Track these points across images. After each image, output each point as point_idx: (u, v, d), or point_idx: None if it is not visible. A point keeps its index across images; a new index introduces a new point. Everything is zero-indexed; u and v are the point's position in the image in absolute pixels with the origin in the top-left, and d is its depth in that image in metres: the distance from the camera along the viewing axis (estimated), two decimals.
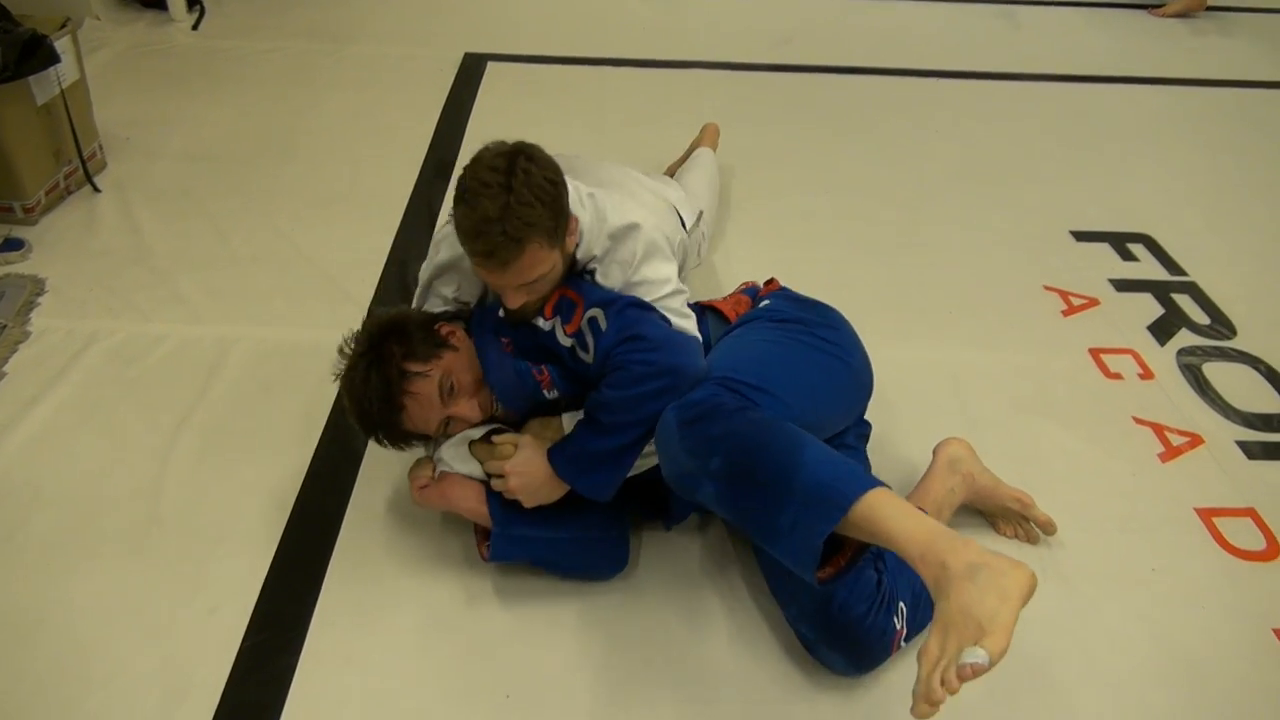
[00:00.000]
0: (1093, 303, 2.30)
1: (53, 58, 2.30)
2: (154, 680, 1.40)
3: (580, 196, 1.55)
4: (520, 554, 1.52)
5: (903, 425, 1.89)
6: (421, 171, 2.74)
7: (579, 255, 1.54)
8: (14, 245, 2.32)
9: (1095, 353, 2.14)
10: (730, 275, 2.31)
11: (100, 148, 2.65)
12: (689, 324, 1.57)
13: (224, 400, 1.91)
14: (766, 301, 1.70)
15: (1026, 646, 1.47)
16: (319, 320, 2.11)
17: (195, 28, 3.60)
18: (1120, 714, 1.42)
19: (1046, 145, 3.07)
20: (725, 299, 1.77)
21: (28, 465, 1.76)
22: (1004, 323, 2.23)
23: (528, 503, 1.46)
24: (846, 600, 1.35)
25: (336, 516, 1.67)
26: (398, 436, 1.52)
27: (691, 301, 1.66)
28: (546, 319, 1.48)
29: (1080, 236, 2.57)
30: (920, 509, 1.21)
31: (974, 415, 1.95)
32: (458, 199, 1.39)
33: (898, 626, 1.38)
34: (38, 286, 2.20)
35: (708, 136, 2.63)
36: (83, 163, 2.54)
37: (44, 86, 2.37)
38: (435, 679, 1.43)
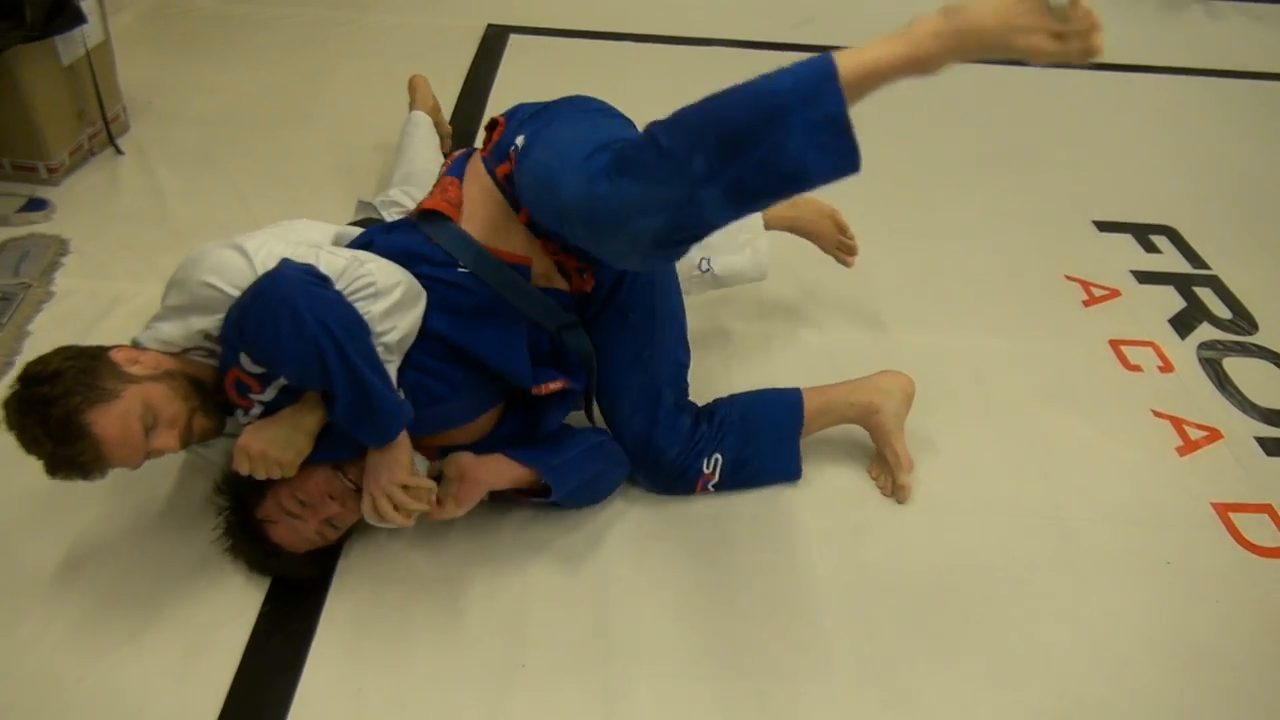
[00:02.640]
0: (1114, 294, 2.30)
1: (78, 18, 2.29)
2: (176, 636, 1.43)
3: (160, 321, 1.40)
4: (573, 476, 1.56)
5: (922, 411, 1.89)
6: (441, 143, 2.73)
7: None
8: (38, 205, 2.32)
9: (1115, 344, 2.13)
10: None
11: (124, 110, 2.65)
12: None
13: None
14: (519, 139, 1.41)
15: (1037, 635, 1.48)
16: None
17: None
18: (1130, 706, 1.43)
19: (1069, 133, 3.05)
20: (431, 193, 1.54)
21: None
22: (1024, 311, 2.23)
23: (274, 452, 1.33)
24: (662, 443, 1.61)
25: None
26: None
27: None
28: (243, 409, 1.38)
29: (1102, 227, 2.55)
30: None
31: (993, 402, 1.95)
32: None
33: (705, 470, 1.65)
34: (61, 247, 2.21)
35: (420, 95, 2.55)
36: (106, 124, 2.54)
37: (70, 47, 2.36)
38: (451, 648, 1.44)
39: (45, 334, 1.96)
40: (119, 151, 2.57)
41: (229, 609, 1.47)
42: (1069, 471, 1.80)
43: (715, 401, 1.74)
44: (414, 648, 1.44)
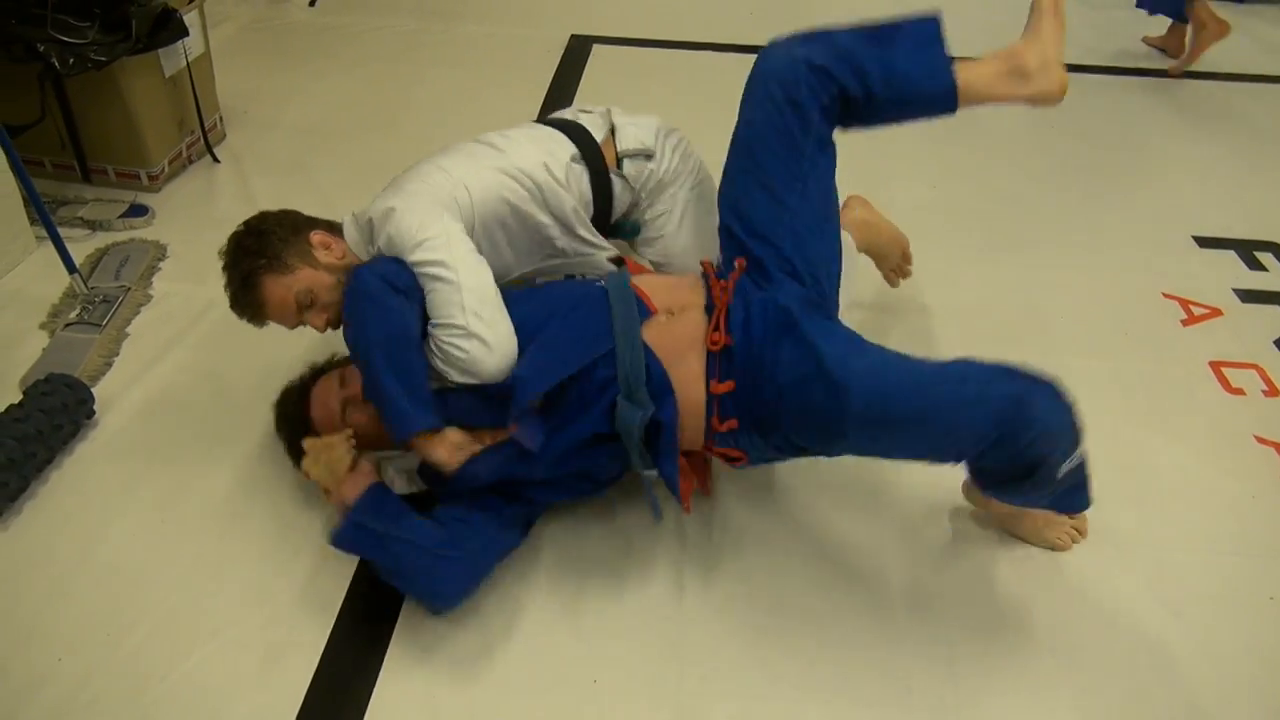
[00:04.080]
0: (1215, 313, 2.19)
1: (181, 31, 2.38)
2: (257, 638, 1.46)
3: (354, 216, 1.69)
4: (361, 545, 1.48)
5: None
6: None
7: (364, 256, 1.64)
8: (139, 211, 2.41)
9: (1216, 365, 2.03)
10: None
11: (220, 119, 2.74)
12: (446, 271, 1.48)
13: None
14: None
15: (1132, 670, 1.42)
16: None
17: (311, 4, 3.69)
18: None
19: (1171, 145, 2.93)
20: (663, 276, 1.72)
21: (146, 424, 1.83)
22: (1118, 330, 2.14)
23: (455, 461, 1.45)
24: None
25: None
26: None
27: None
28: None
29: (1204, 242, 2.44)
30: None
31: (1085, 426, 1.87)
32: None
33: None
34: (160, 251, 2.29)
35: None
36: (204, 134, 2.63)
37: (172, 59, 2.45)
38: (524, 659, 1.44)
39: (143, 335, 2.04)
40: (215, 160, 2.66)
41: (308, 611, 1.50)
42: (1166, 500, 1.72)
43: None
44: (487, 657, 1.45)
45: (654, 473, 1.47)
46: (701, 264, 1.60)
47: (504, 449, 1.46)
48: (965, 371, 1.37)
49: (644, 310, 1.51)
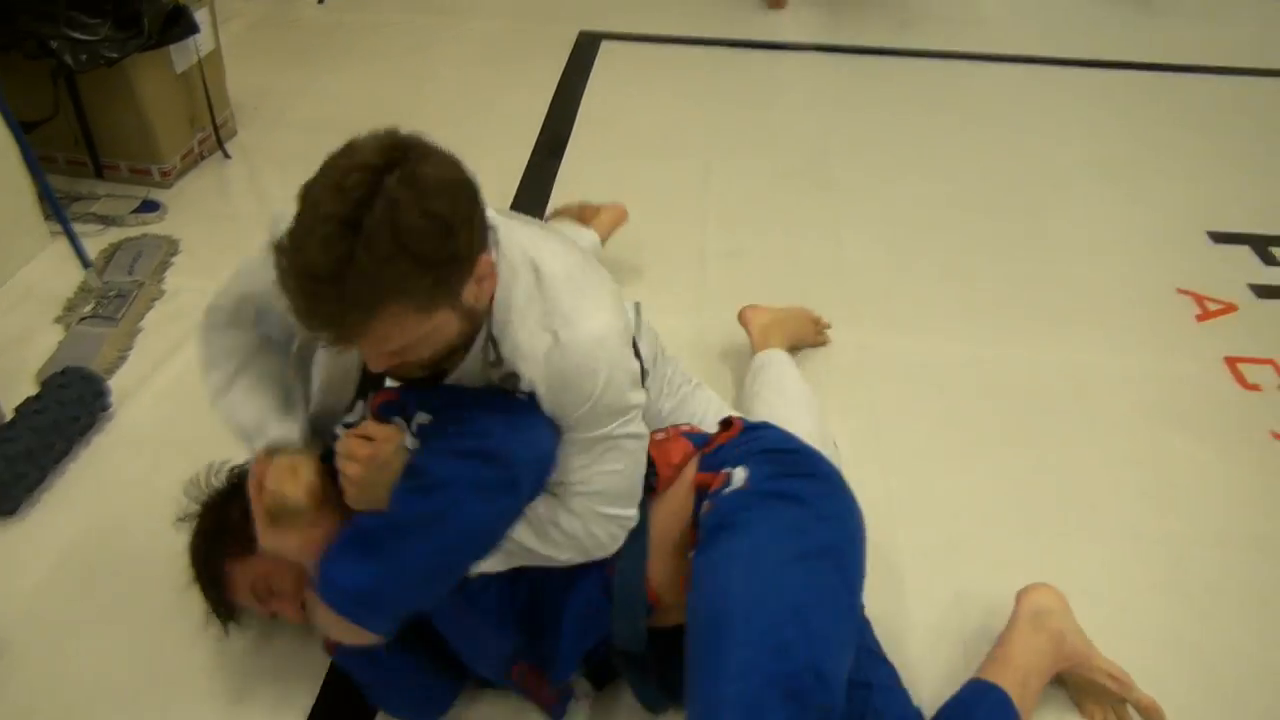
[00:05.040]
0: (1230, 308, 2.18)
1: (192, 27, 2.38)
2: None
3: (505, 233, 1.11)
4: (356, 666, 1.29)
5: (1023, 430, 1.84)
6: (534, 150, 2.75)
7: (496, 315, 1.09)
8: (150, 207, 2.42)
9: (1232, 361, 2.03)
10: (842, 264, 2.27)
11: (231, 115, 2.74)
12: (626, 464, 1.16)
13: None
14: (739, 473, 1.21)
15: (1148, 666, 1.41)
16: None
17: (320, 1, 3.69)
18: None
19: (1183, 139, 2.92)
20: (660, 436, 1.33)
21: (161, 416, 1.84)
22: (1131, 325, 2.13)
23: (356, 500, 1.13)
24: None
25: None
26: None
27: None
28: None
29: (1218, 238, 2.43)
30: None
31: (1097, 422, 1.87)
32: (284, 235, 0.96)
33: None
34: (172, 247, 2.29)
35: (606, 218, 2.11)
36: (215, 130, 2.63)
37: (183, 55, 2.45)
38: None
39: (157, 330, 2.04)
40: (227, 156, 2.66)
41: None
42: (1181, 495, 1.72)
43: None
44: None
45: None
46: None
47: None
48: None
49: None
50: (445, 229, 0.94)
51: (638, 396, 1.13)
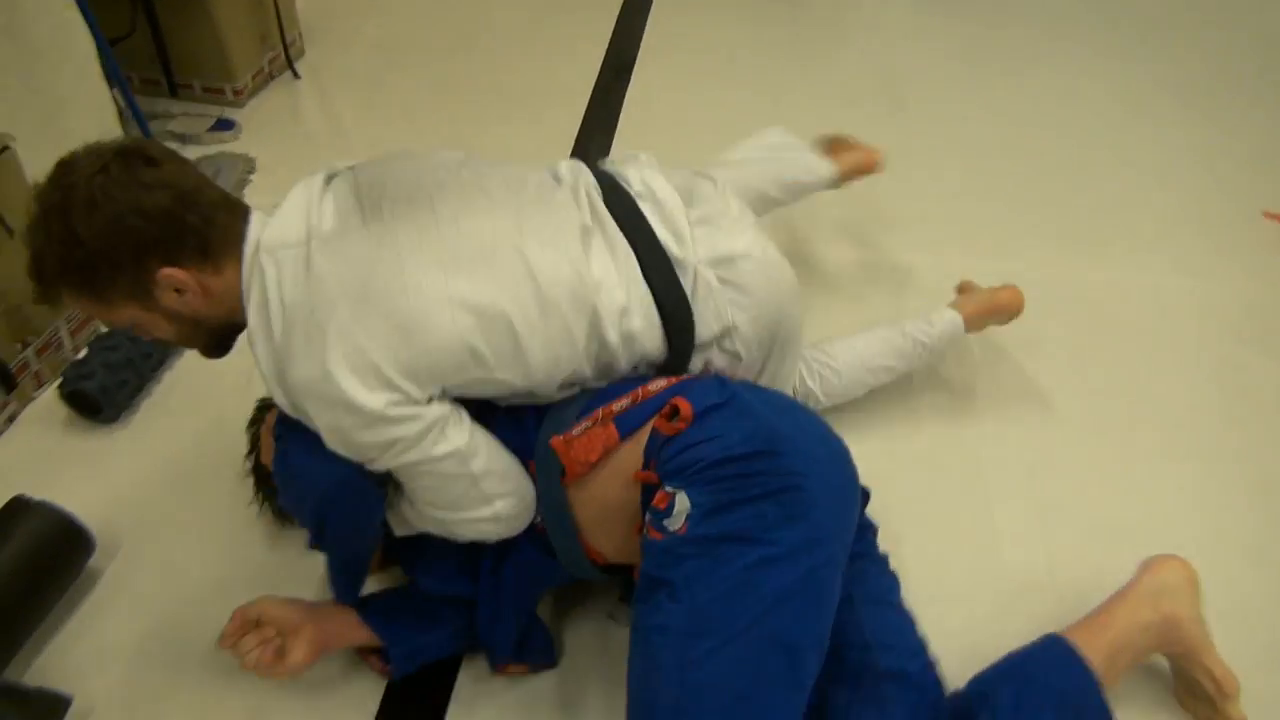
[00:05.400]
0: None
1: None
2: None
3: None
4: (424, 659, 1.31)
5: (1102, 350, 1.83)
6: (601, 71, 2.73)
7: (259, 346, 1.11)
8: (225, 125, 2.44)
9: None
10: (917, 189, 2.24)
11: (300, 35, 2.74)
12: None
13: None
14: (681, 501, 1.07)
15: (1233, 584, 1.42)
16: None
17: None
18: None
19: (1274, 62, 2.83)
20: (579, 430, 1.17)
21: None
22: (1216, 248, 2.10)
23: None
24: None
25: None
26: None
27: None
28: None
29: None
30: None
31: (1180, 344, 1.86)
32: None
33: None
34: (249, 164, 2.32)
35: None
36: (285, 49, 2.64)
37: None
38: None
39: None
40: (296, 75, 2.67)
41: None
42: (1267, 416, 1.71)
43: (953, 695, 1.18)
44: None
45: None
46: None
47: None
48: None
49: None
50: (75, 244, 1.04)
51: (391, 432, 1.07)
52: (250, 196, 2.22)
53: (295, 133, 2.45)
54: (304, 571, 1.44)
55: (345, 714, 1.29)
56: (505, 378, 1.14)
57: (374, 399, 1.05)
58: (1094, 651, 1.17)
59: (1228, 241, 2.12)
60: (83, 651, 1.34)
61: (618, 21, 2.99)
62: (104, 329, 1.76)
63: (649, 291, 1.22)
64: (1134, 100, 2.63)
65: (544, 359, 1.15)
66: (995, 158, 2.37)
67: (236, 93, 2.52)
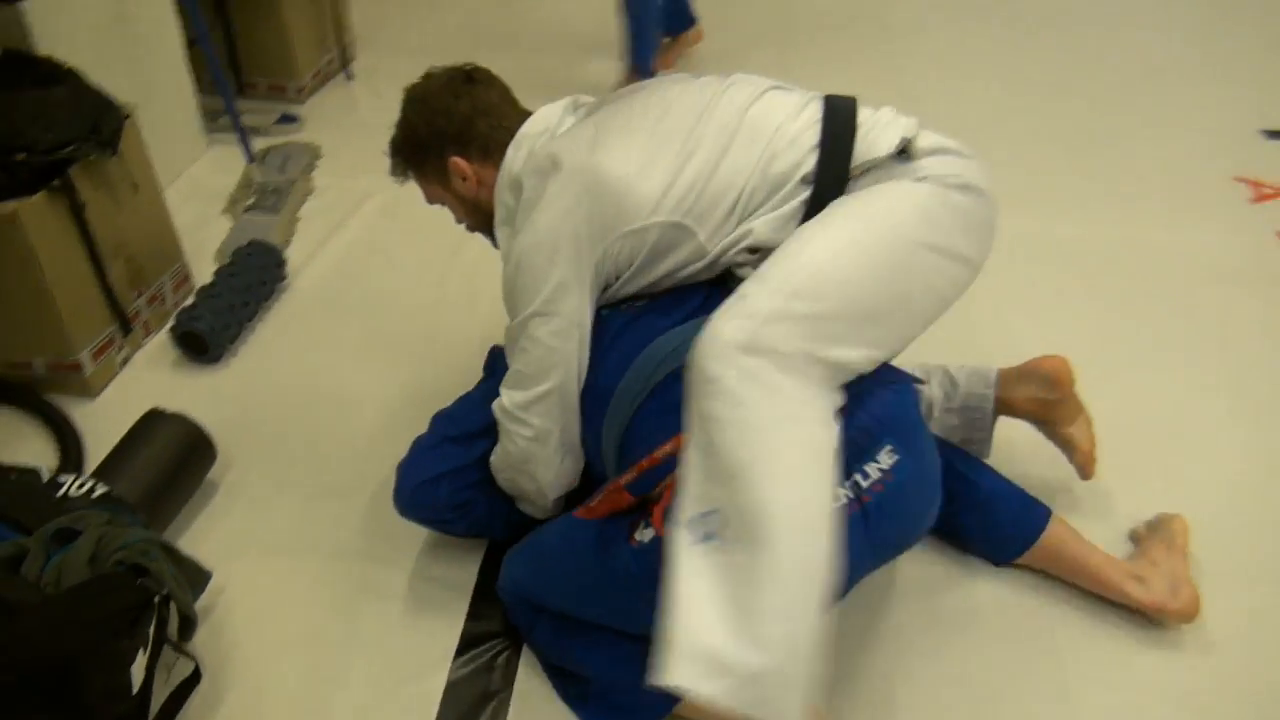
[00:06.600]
0: None
1: None
2: None
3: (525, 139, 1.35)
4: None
5: (1087, 295, 2.05)
6: None
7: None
8: (289, 119, 2.69)
9: None
10: None
11: (353, 40, 3.00)
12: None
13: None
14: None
15: (1200, 495, 1.61)
16: None
17: None
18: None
19: (1240, 43, 3.11)
20: (595, 500, 1.26)
21: (329, 289, 2.11)
22: (1191, 206, 2.34)
23: None
24: None
25: None
26: None
27: None
28: None
29: (1272, 134, 2.62)
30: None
31: (1161, 283, 2.08)
32: None
33: None
34: (315, 152, 2.56)
35: None
36: (342, 51, 2.89)
37: None
38: None
39: (312, 220, 2.32)
40: (349, 77, 2.93)
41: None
42: (1243, 341, 1.92)
43: None
44: None
45: None
46: None
47: None
48: None
49: None
50: (411, 130, 1.40)
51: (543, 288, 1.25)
52: (319, 178, 2.47)
53: (353, 124, 2.69)
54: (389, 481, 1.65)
55: (452, 571, 1.49)
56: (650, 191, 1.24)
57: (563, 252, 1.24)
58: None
59: (1201, 201, 2.37)
60: (210, 545, 1.54)
61: None
62: (208, 280, 1.98)
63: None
64: (1113, 79, 2.90)
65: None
66: (991, 124, 2.60)
67: (299, 91, 2.77)
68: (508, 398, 1.32)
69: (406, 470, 1.44)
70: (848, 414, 1.14)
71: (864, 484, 1.13)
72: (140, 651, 1.15)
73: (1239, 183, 2.41)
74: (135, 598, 1.17)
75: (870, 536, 1.12)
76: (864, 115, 1.28)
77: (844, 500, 1.11)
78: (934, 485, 1.24)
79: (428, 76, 1.41)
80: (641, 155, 1.26)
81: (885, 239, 1.18)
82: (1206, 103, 2.79)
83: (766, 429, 1.05)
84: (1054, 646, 1.37)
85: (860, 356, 1.15)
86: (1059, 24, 3.27)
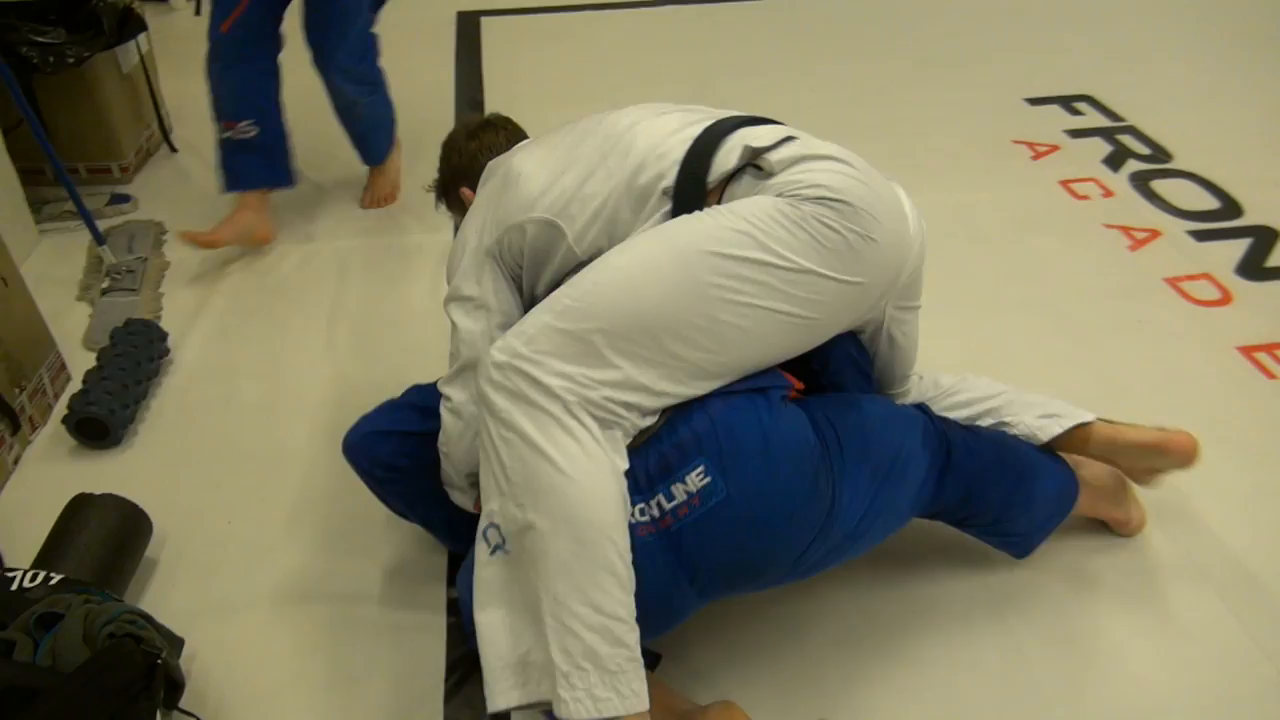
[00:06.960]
0: (1054, 148, 2.77)
1: (141, 25, 2.58)
2: None
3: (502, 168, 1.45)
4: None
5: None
6: (456, 108, 3.07)
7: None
8: (122, 199, 2.60)
9: (1065, 183, 2.59)
10: None
11: (168, 113, 2.92)
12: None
13: (357, 292, 2.25)
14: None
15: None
16: (406, 227, 2.52)
17: (196, 13, 3.83)
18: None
19: (992, 31, 3.59)
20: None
21: (212, 357, 2.07)
22: (985, 170, 2.69)
23: None
24: None
25: None
26: None
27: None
28: None
29: (1033, 101, 3.04)
30: None
31: (981, 234, 2.39)
32: None
33: None
34: (159, 227, 2.49)
35: None
36: (161, 125, 2.82)
37: (127, 55, 2.64)
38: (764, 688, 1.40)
39: (177, 294, 2.27)
40: (173, 149, 2.85)
41: None
42: (1052, 271, 2.25)
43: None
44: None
45: None
46: None
47: None
48: None
49: None
50: (439, 169, 1.66)
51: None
52: (171, 251, 2.41)
53: (189, 195, 2.63)
54: (329, 522, 1.67)
55: (423, 591, 1.53)
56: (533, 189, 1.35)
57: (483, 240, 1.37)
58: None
59: (993, 164, 2.72)
60: (166, 617, 1.49)
61: (455, 68, 3.35)
62: (91, 365, 1.91)
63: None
64: (894, 76, 3.26)
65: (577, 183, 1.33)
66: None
67: (123, 169, 2.68)
68: (442, 376, 1.41)
69: (365, 418, 1.49)
70: (670, 427, 1.15)
71: (668, 505, 1.12)
72: (158, 713, 1.14)
73: (1018, 145, 2.79)
74: (144, 662, 1.16)
75: (684, 560, 1.12)
76: (741, 133, 1.29)
77: (646, 519, 1.11)
78: (771, 515, 1.14)
79: (458, 123, 1.72)
80: (541, 161, 1.38)
81: (682, 256, 1.15)
82: (977, 81, 3.20)
83: (535, 447, 1.09)
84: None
85: (651, 376, 1.13)
86: (842, 30, 3.63)
